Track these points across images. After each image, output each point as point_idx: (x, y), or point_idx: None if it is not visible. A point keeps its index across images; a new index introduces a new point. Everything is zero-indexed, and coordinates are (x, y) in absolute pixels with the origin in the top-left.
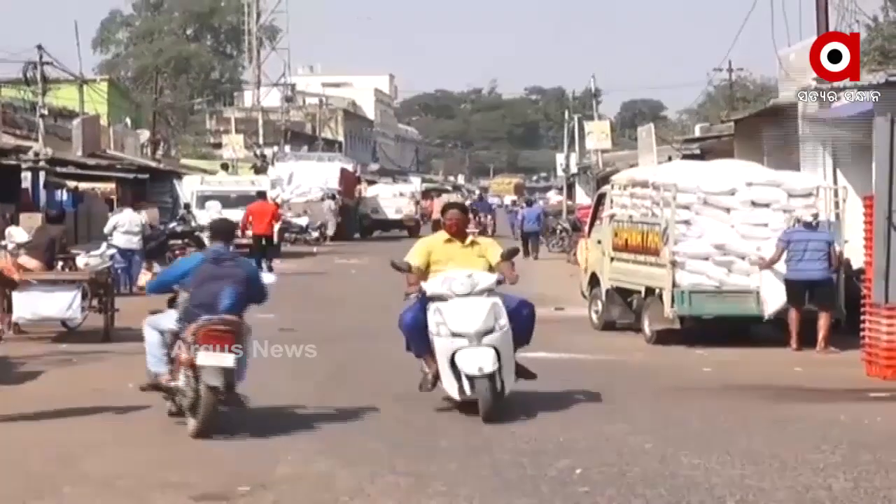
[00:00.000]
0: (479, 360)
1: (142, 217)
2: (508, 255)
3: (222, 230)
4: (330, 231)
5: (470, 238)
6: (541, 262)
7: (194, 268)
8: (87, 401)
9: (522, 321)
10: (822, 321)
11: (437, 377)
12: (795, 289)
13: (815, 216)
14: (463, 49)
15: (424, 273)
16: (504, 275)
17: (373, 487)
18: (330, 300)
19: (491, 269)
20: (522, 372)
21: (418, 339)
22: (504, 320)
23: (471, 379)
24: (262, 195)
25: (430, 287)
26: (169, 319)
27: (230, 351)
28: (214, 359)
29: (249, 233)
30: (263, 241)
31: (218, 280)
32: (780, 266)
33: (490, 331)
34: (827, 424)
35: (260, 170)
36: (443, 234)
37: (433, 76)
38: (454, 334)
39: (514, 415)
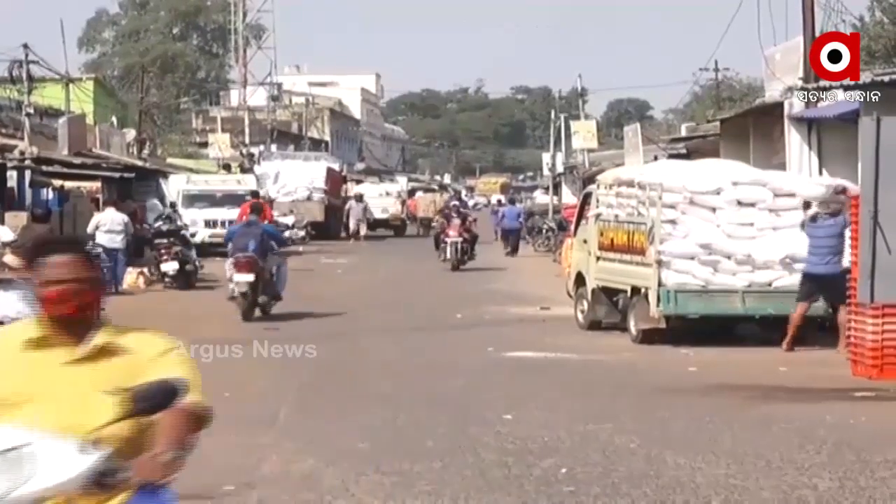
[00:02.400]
0: None
1: (124, 216)
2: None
3: (256, 209)
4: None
5: (101, 338)
6: (526, 260)
7: (236, 230)
8: None
9: None
10: (840, 316)
11: None
12: (802, 284)
13: (816, 211)
14: (449, 48)
15: None
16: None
17: (357, 487)
18: (315, 300)
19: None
20: None
21: None
22: None
23: None
24: (255, 194)
25: None
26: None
27: (249, 272)
28: (241, 277)
29: None
30: None
31: (246, 236)
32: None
33: None
34: (812, 424)
35: (246, 169)
36: (25, 329)
37: (419, 75)
38: None
39: (499, 414)
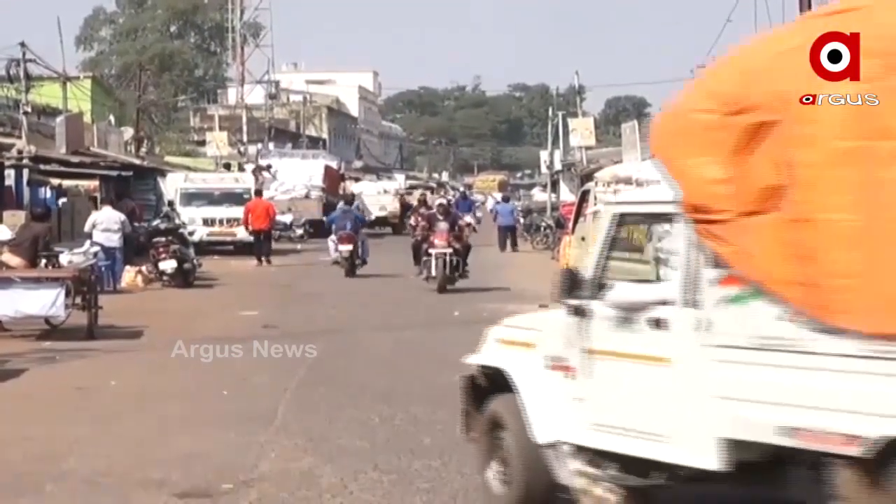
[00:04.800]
0: None
1: (121, 214)
2: None
3: (349, 199)
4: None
5: None
6: (524, 257)
7: (337, 216)
8: (70, 398)
9: None
10: None
11: None
12: None
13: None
14: (447, 46)
15: None
16: None
17: (356, 485)
18: (314, 298)
19: None
20: None
21: None
22: None
23: None
24: (259, 193)
25: None
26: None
27: (349, 244)
28: (344, 247)
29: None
30: (261, 237)
31: (344, 219)
32: None
33: None
34: None
35: (241, 167)
36: None
37: (417, 73)
38: None
39: None
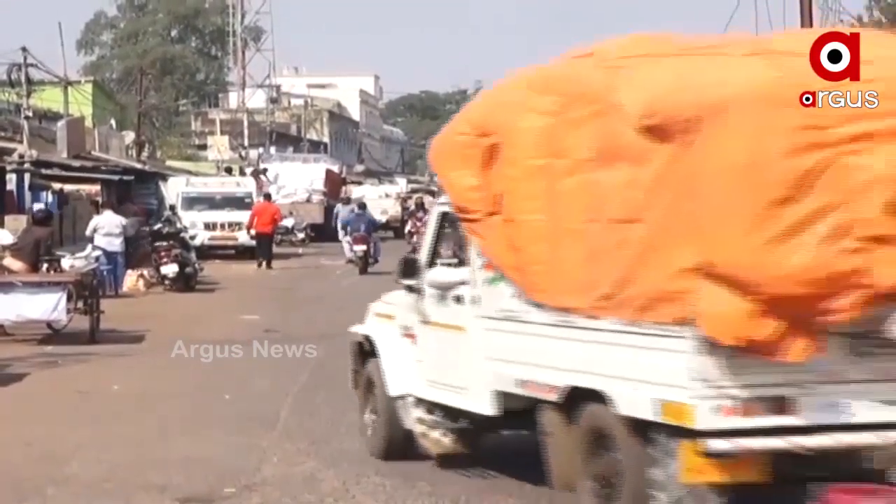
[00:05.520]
0: None
1: (122, 218)
2: None
3: (362, 203)
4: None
5: None
6: None
7: (352, 219)
8: (72, 402)
9: None
10: None
11: None
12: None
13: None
14: (448, 50)
15: None
16: None
17: (358, 488)
18: (315, 301)
19: None
20: None
21: None
22: None
23: None
24: (267, 197)
25: None
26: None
27: (363, 244)
28: (358, 247)
29: (253, 231)
30: (265, 240)
31: (358, 221)
32: None
33: None
34: None
35: (242, 171)
36: None
37: (418, 77)
38: None
39: None
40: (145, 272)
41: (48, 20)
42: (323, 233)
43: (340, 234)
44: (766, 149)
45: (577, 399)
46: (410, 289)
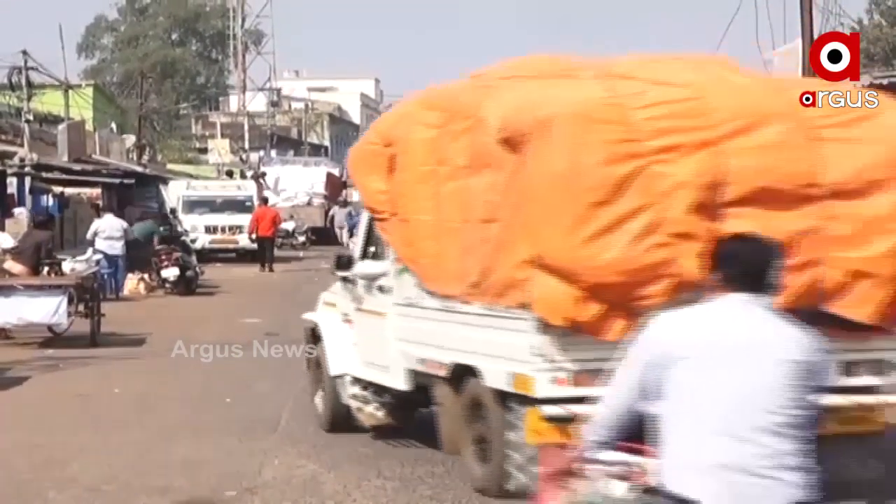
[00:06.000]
0: None
1: (123, 222)
2: None
3: (358, 205)
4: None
5: None
6: None
7: (351, 222)
8: (72, 406)
9: None
10: None
11: None
12: None
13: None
14: (448, 53)
15: None
16: None
17: (359, 492)
18: (316, 304)
19: None
20: None
21: None
22: None
23: None
24: (265, 201)
25: None
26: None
27: None
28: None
29: (254, 235)
30: (267, 243)
31: (353, 223)
32: None
33: None
34: None
35: (243, 174)
36: None
37: (419, 80)
38: None
39: None
40: (146, 275)
41: (49, 23)
42: (324, 236)
43: (339, 234)
44: (585, 159)
45: (461, 374)
46: (345, 280)
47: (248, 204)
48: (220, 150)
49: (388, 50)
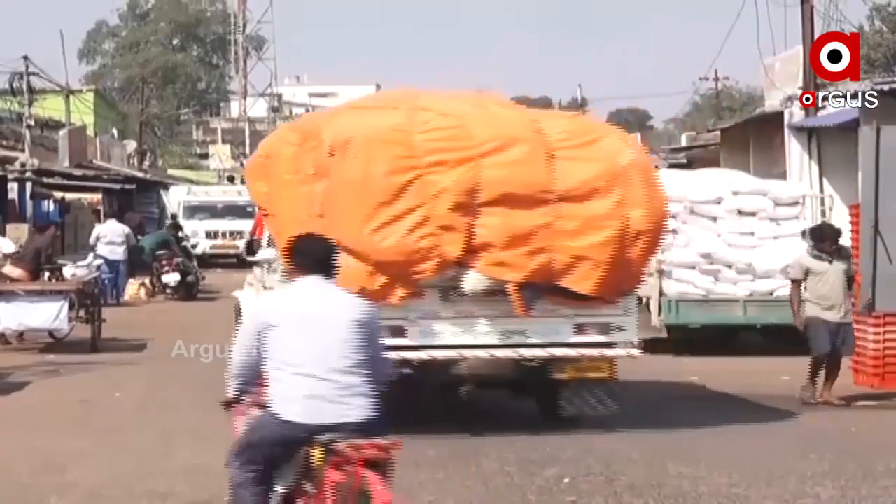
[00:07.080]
0: None
1: (125, 227)
2: None
3: None
4: None
5: None
6: None
7: None
8: (74, 411)
9: None
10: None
11: None
12: None
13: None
14: (449, 58)
15: None
16: None
17: None
18: None
19: None
20: None
21: None
22: None
23: None
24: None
25: None
26: None
27: None
28: None
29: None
30: None
31: None
32: None
33: None
34: (814, 433)
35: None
36: None
37: (419, 86)
38: None
39: (501, 424)
40: (147, 281)
41: (50, 29)
42: None
43: None
44: (374, 170)
45: None
46: (255, 264)
47: (248, 209)
48: (220, 155)
49: (389, 56)
